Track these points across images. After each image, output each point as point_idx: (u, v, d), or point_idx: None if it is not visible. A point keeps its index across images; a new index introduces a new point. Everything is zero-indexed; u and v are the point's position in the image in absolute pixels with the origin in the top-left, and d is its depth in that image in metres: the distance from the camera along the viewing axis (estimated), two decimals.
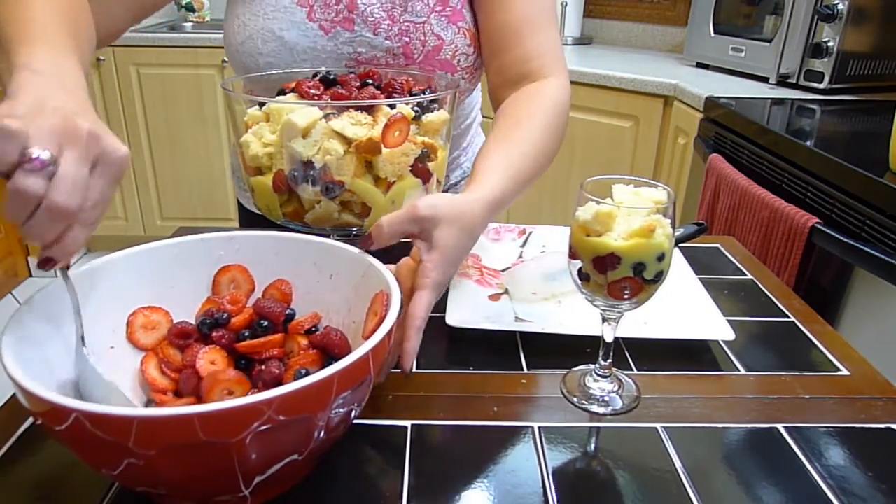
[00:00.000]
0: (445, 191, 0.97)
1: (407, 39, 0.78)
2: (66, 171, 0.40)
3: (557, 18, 0.83)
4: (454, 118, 0.92)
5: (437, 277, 0.54)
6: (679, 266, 0.76)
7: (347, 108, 0.60)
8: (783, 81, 1.87)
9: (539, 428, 0.53)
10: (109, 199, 0.43)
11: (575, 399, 0.57)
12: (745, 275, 0.81)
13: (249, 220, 0.96)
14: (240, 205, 1.00)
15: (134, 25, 0.77)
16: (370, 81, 0.67)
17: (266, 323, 0.52)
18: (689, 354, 0.64)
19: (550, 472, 0.49)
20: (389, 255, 0.64)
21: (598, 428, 0.54)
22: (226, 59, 2.48)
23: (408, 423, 0.53)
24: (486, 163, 0.66)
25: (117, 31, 0.74)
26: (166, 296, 0.54)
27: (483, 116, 1.00)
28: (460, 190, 0.98)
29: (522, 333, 0.66)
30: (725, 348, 0.65)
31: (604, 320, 0.55)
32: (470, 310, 0.67)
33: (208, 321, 0.52)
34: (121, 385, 0.49)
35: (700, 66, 2.16)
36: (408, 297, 0.54)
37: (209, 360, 0.49)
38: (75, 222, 0.41)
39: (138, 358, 0.52)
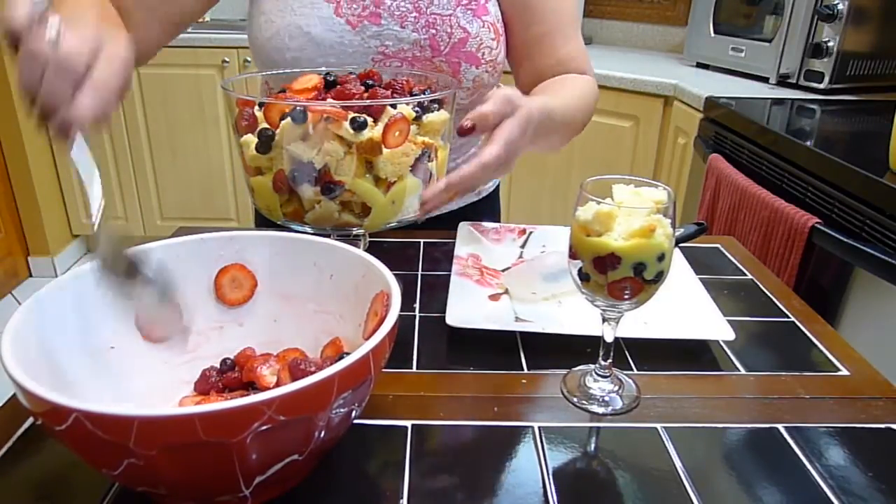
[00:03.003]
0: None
1: (434, 31, 0.79)
2: (70, 35, 0.44)
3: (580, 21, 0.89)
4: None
5: (512, 135, 0.62)
6: (679, 266, 0.76)
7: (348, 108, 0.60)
8: (783, 81, 1.87)
9: (539, 428, 0.53)
10: (116, 82, 0.47)
11: (575, 399, 0.57)
12: (745, 275, 0.81)
13: (264, 217, 0.96)
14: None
15: (166, 45, 0.78)
16: (371, 82, 0.67)
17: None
18: (689, 354, 0.64)
19: (550, 472, 0.49)
20: (390, 256, 0.64)
21: (599, 428, 0.54)
22: (226, 59, 2.49)
23: (408, 423, 0.53)
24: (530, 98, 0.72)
25: (152, 52, 0.74)
26: None
27: None
28: None
29: (522, 333, 0.66)
30: (725, 348, 0.65)
31: (604, 320, 0.55)
32: (470, 310, 0.67)
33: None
34: (122, 384, 0.49)
35: (700, 66, 2.16)
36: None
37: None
38: (84, 81, 0.45)
39: (139, 356, 0.52)
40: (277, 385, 0.50)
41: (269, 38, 0.80)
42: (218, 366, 0.54)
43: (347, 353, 0.41)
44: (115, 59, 0.48)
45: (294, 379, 0.45)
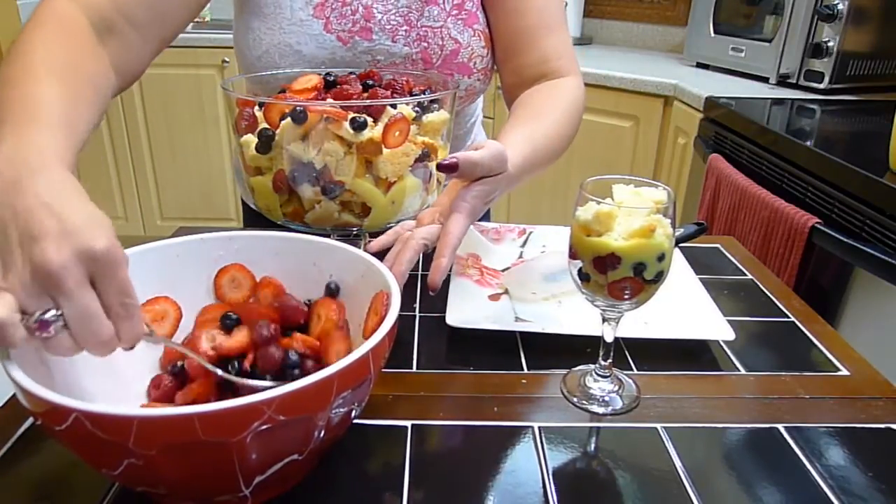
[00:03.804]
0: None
1: (425, 44, 0.79)
2: (74, 315, 0.37)
3: (567, 21, 0.86)
4: (461, 117, 0.92)
5: (476, 205, 0.60)
6: (679, 266, 0.76)
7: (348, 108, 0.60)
8: (783, 81, 1.87)
9: (539, 428, 0.53)
10: (128, 287, 0.40)
11: (575, 399, 0.57)
12: (745, 275, 0.81)
13: (252, 218, 0.96)
14: (243, 202, 1.00)
15: (153, 60, 0.75)
16: (371, 82, 0.67)
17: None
18: (689, 354, 0.64)
19: (550, 472, 0.49)
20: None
21: (598, 428, 0.54)
22: (226, 59, 2.49)
23: (408, 423, 0.53)
24: (510, 136, 0.69)
25: (144, 69, 0.72)
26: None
27: (485, 117, 1.01)
28: None
29: (522, 333, 0.66)
30: (725, 348, 0.65)
31: (604, 320, 0.55)
32: (470, 310, 0.67)
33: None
34: (122, 384, 0.49)
35: (700, 66, 2.16)
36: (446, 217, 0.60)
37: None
38: (118, 330, 0.40)
39: (139, 356, 0.51)
40: (217, 346, 0.49)
41: (259, 56, 0.79)
42: (170, 371, 0.51)
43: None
44: (116, 260, 0.39)
45: (255, 337, 0.48)
